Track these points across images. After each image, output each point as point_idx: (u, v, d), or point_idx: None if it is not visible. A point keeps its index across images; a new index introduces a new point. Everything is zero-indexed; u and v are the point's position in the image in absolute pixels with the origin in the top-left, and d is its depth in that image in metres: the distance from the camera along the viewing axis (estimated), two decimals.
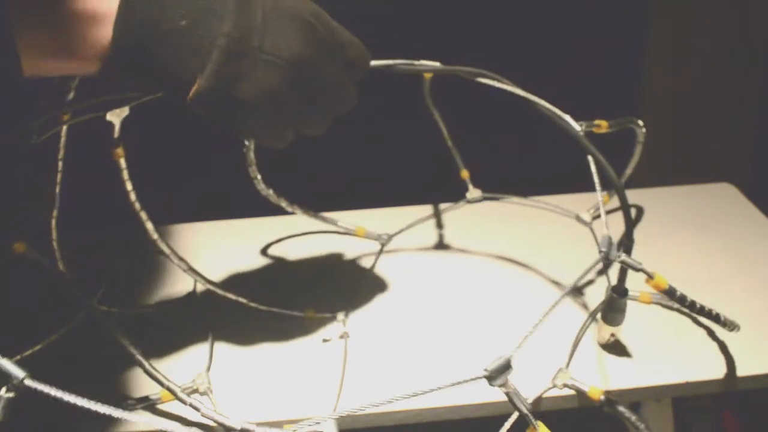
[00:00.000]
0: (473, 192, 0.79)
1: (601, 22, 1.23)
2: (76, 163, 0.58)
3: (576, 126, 0.58)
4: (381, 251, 0.73)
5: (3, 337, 0.60)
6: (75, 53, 0.46)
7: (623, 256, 0.52)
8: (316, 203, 0.76)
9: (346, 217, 0.76)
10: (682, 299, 0.54)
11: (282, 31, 0.48)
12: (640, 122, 0.70)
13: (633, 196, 0.81)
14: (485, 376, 0.45)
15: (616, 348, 0.60)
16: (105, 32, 0.45)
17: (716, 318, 0.56)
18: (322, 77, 0.50)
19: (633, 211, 0.79)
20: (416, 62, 0.58)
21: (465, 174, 0.79)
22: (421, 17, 1.19)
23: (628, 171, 0.74)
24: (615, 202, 0.77)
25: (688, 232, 0.76)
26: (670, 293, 0.53)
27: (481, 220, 0.78)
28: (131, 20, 0.45)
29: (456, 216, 0.79)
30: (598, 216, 0.77)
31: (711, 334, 0.62)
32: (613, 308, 0.57)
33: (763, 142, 1.34)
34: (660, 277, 0.53)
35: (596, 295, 0.65)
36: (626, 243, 0.54)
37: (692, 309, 0.54)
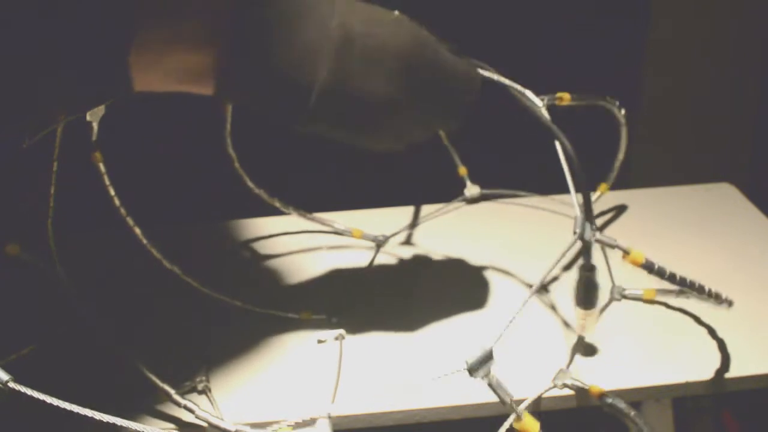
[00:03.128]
0: (471, 188, 0.79)
1: (600, 22, 1.22)
2: (73, 163, 0.58)
3: (537, 101, 0.59)
4: (377, 252, 0.73)
5: None
6: (184, 81, 0.48)
7: (598, 235, 0.53)
8: (313, 203, 0.76)
9: (343, 218, 0.76)
10: (661, 272, 0.53)
11: (382, 74, 0.50)
12: (616, 102, 0.69)
13: (632, 196, 0.81)
14: (466, 368, 0.45)
15: (616, 348, 0.60)
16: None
17: (700, 290, 0.55)
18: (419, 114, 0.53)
19: (616, 211, 0.79)
20: None
21: (463, 171, 0.79)
22: (420, 13, 1.19)
23: (621, 155, 0.73)
24: (615, 204, 0.77)
25: (688, 232, 0.76)
26: (647, 267, 0.53)
27: (479, 220, 0.78)
28: (238, 65, 0.47)
29: (454, 216, 0.79)
30: (599, 215, 0.76)
31: (711, 334, 0.61)
32: (584, 287, 0.56)
33: (763, 142, 1.34)
34: (636, 252, 0.53)
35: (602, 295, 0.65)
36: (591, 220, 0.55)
37: (673, 281, 0.54)
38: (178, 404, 0.54)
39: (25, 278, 0.67)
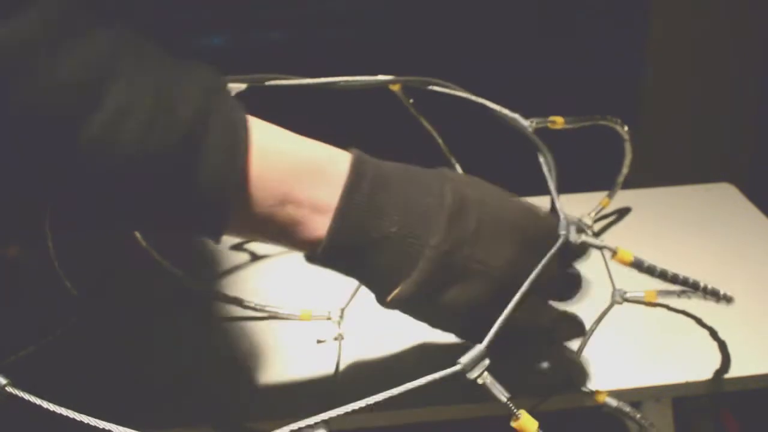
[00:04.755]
0: None
1: (601, 22, 1.22)
2: None
3: (524, 122, 0.58)
4: None
5: None
6: (284, 240, 0.47)
7: (584, 237, 0.52)
8: None
9: None
10: (651, 270, 0.53)
11: (495, 239, 0.48)
12: (618, 120, 0.69)
13: (632, 196, 0.81)
14: (460, 369, 0.44)
15: (617, 348, 0.60)
16: (317, 229, 0.46)
17: (695, 286, 0.54)
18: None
19: (616, 211, 0.79)
20: (363, 77, 0.58)
21: None
22: (420, 16, 1.19)
23: (624, 170, 0.73)
24: (615, 204, 0.77)
25: (688, 232, 0.76)
26: (637, 265, 0.52)
27: None
28: (347, 224, 0.45)
29: None
30: (600, 219, 0.76)
31: (711, 334, 0.61)
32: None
33: (763, 142, 1.34)
34: (623, 251, 0.52)
35: (603, 299, 0.65)
36: (580, 224, 0.54)
37: (664, 278, 0.53)
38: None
39: (25, 279, 0.67)
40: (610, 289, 0.64)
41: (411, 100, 0.66)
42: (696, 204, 0.81)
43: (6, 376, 0.41)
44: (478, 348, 0.45)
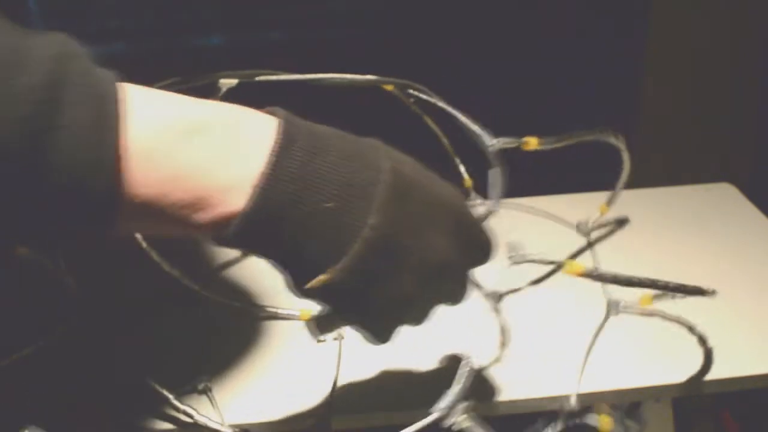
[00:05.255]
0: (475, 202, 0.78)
1: (600, 22, 1.23)
2: None
3: (492, 141, 0.58)
4: None
5: None
6: (184, 225, 0.39)
7: (529, 256, 0.53)
8: None
9: None
10: (603, 277, 0.51)
11: (433, 230, 0.43)
12: (607, 130, 0.67)
13: (632, 196, 0.81)
14: (437, 417, 0.44)
15: (617, 348, 0.60)
16: (227, 205, 0.39)
17: (654, 285, 0.52)
18: (456, 282, 0.46)
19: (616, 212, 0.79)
20: (350, 75, 0.58)
21: (468, 183, 0.78)
22: (421, 16, 1.19)
23: (624, 177, 0.73)
24: (613, 212, 0.77)
25: (688, 232, 0.76)
26: (587, 275, 0.51)
27: None
28: (273, 195, 0.39)
29: None
30: (599, 227, 0.76)
31: (711, 334, 0.61)
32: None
33: (763, 142, 1.34)
34: (571, 263, 0.51)
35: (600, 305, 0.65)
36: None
37: (618, 283, 0.51)
38: (177, 409, 0.54)
39: (26, 278, 0.67)
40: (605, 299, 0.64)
41: (412, 99, 0.66)
42: (696, 204, 0.81)
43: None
44: (452, 393, 0.44)
